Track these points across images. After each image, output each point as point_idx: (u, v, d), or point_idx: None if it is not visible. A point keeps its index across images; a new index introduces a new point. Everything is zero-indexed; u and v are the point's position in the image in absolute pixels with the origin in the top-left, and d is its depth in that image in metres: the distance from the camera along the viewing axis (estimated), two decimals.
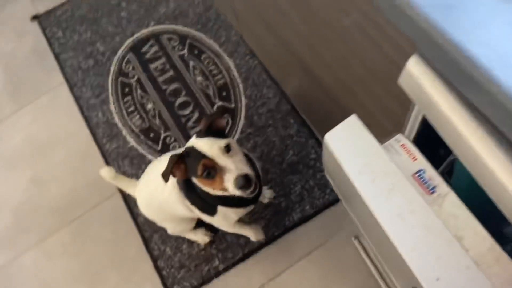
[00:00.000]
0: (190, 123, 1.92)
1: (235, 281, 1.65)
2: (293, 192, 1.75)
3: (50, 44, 2.21)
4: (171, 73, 2.04)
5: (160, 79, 2.03)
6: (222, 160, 1.06)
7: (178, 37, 2.11)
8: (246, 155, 1.23)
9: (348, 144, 0.70)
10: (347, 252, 1.63)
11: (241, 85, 1.97)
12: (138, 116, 1.97)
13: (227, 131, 1.89)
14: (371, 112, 1.09)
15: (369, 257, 1.53)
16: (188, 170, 1.13)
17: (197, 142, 1.11)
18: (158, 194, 1.36)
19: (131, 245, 1.75)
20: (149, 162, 1.86)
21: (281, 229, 1.70)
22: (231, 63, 2.02)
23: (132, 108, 1.99)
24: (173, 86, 2.01)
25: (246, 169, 1.08)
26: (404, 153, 0.71)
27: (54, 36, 2.23)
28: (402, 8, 0.53)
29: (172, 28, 2.14)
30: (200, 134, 1.13)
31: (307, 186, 1.75)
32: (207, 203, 1.28)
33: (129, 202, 1.81)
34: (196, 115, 1.94)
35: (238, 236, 1.69)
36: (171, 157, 1.12)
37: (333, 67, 1.15)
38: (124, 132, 1.95)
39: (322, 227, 1.69)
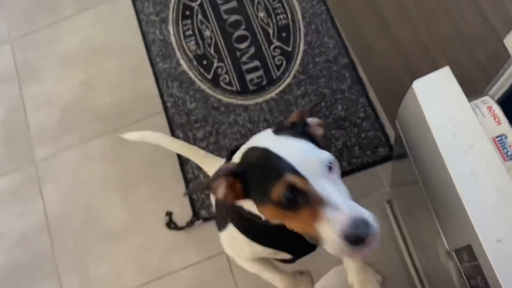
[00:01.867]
0: (244, 58, 1.90)
1: None
2: (333, 147, 1.74)
3: None
4: (234, 3, 2.00)
5: (223, 8, 1.99)
6: (320, 184, 0.64)
7: None
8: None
9: (435, 95, 0.68)
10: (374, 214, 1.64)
11: (302, 29, 1.92)
12: (194, 42, 1.96)
13: (279, 73, 1.86)
14: None
15: (397, 223, 1.54)
16: (250, 189, 0.70)
17: (277, 142, 0.69)
18: None
19: (167, 164, 1.80)
20: (198, 88, 1.88)
21: None
22: (297, 5, 1.96)
23: (190, 32, 1.97)
24: (234, 17, 1.97)
25: (361, 209, 0.65)
26: (489, 115, 0.69)
27: None
28: None
29: None
30: (283, 130, 0.73)
31: (348, 143, 1.74)
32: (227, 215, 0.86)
33: (173, 123, 1.84)
34: (251, 51, 1.91)
35: None
36: (221, 169, 0.71)
37: (415, 23, 1.10)
38: (178, 54, 1.95)
39: (354, 186, 1.66)
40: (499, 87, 0.76)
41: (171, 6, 2.03)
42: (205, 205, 1.72)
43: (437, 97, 0.68)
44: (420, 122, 0.68)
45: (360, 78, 1.81)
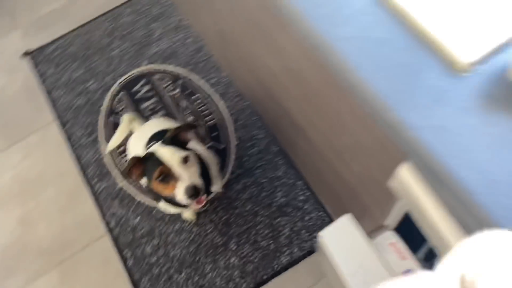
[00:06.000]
0: None
1: None
2: (281, 235, 1.78)
3: (42, 81, 2.22)
4: (162, 112, 2.07)
5: (152, 118, 2.05)
6: (178, 169, 1.21)
7: (170, 77, 2.15)
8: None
9: (342, 244, 0.73)
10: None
11: (231, 126, 2.01)
12: (126, 157, 1.99)
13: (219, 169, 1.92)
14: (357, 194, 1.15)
15: None
16: (145, 172, 1.27)
17: (159, 149, 1.25)
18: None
19: None
20: (139, 202, 1.88)
21: (270, 273, 1.72)
22: (221, 104, 2.06)
23: (122, 148, 2.00)
24: None
25: (197, 181, 1.24)
26: (393, 251, 0.75)
27: (45, 72, 2.24)
28: (397, 128, 0.57)
29: (163, 68, 2.18)
30: (165, 142, 1.28)
31: (295, 228, 1.78)
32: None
33: (119, 244, 1.81)
34: None
35: (227, 281, 1.71)
36: (132, 158, 1.27)
37: (326, 132, 1.20)
38: (114, 172, 1.96)
39: (309, 271, 1.72)
40: (394, 218, 0.82)
41: (100, 125, 2.06)
42: None
43: (343, 246, 0.73)
44: (336, 271, 0.72)
45: (292, 162, 1.90)
